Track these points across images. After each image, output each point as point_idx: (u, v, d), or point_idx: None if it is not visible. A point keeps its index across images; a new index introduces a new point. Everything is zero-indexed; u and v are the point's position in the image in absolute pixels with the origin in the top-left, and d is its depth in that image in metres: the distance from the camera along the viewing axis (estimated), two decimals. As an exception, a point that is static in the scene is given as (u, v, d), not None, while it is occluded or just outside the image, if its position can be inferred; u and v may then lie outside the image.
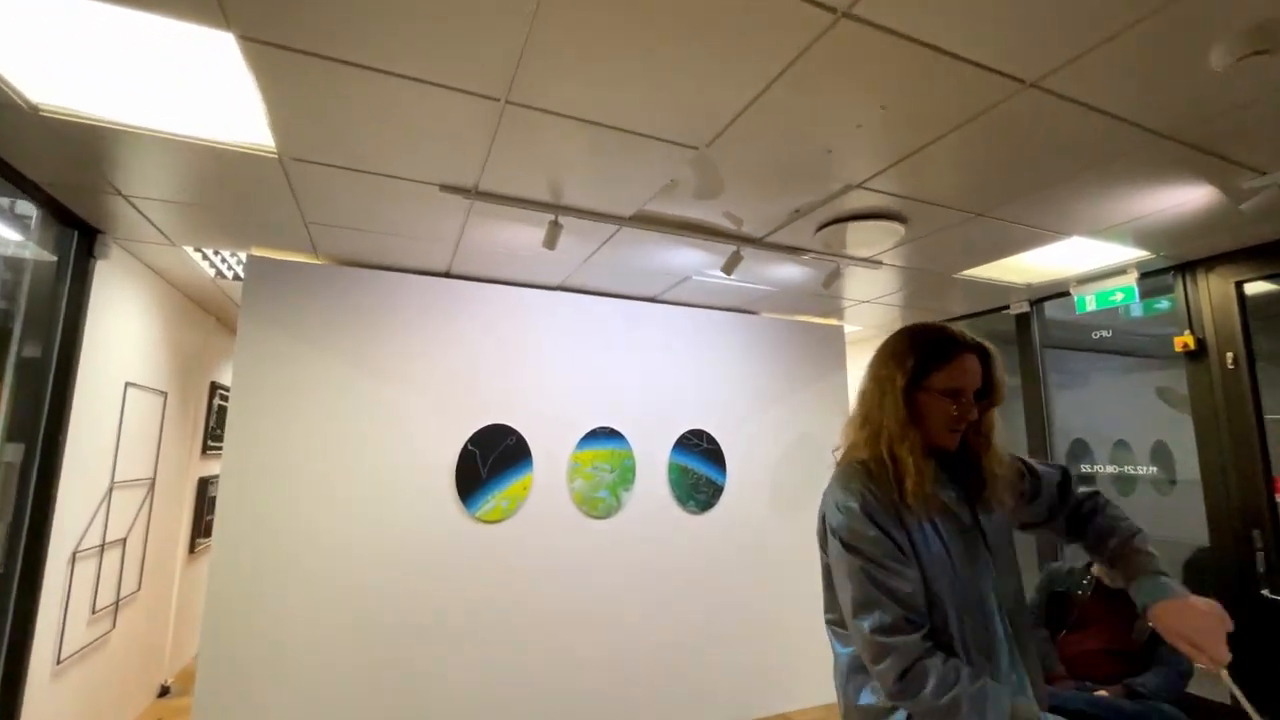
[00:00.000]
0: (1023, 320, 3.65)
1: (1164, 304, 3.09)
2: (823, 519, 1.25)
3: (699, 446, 3.63)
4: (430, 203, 2.34)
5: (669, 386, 3.62)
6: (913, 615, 1.10)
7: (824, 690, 3.74)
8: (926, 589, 1.14)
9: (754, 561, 3.68)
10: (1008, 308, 3.70)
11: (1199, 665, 1.11)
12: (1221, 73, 1.44)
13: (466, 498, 3.08)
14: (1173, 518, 3.07)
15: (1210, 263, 2.81)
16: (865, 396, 1.29)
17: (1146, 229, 2.49)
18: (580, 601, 3.23)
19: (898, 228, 2.40)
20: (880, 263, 2.95)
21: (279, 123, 1.79)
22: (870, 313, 4.05)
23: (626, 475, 3.43)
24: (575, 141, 1.87)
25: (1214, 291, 2.80)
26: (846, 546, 1.16)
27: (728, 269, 2.71)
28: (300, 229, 2.65)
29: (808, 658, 3.73)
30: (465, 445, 3.12)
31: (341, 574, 2.82)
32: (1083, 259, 2.93)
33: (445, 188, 2.21)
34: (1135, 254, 2.79)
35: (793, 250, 2.76)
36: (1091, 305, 3.13)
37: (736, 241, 2.65)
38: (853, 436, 1.30)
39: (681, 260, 2.98)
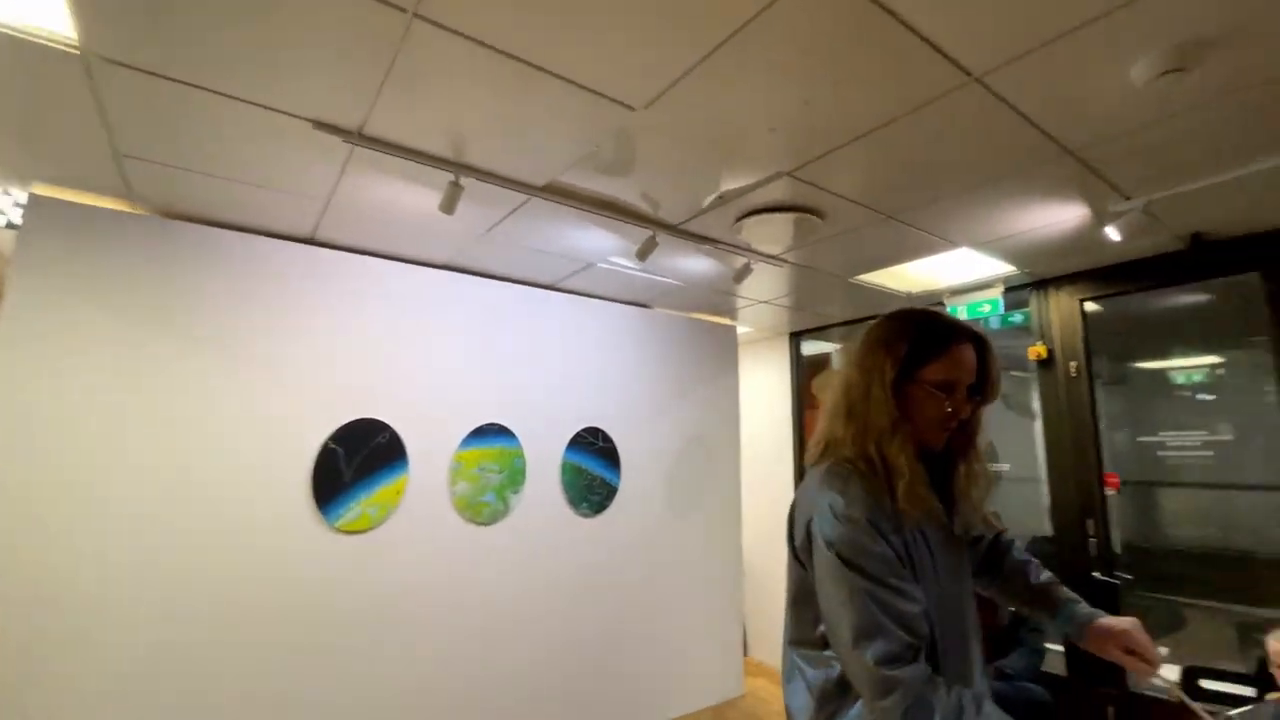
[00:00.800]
0: (900, 327, 3.88)
1: (1018, 317, 3.42)
2: (806, 526, 1.08)
3: (594, 445, 3.42)
4: (298, 144, 1.91)
5: (565, 381, 3.38)
6: (916, 641, 0.98)
7: (713, 692, 3.70)
8: None
9: (647, 565, 3.54)
10: (887, 315, 3.93)
11: (1135, 672, 1.13)
12: (1140, 88, 1.52)
13: (326, 505, 2.60)
14: (1015, 510, 3.41)
15: (1060, 281, 3.15)
16: (850, 388, 1.16)
17: (1019, 246, 2.71)
18: (463, 615, 2.88)
19: (817, 223, 2.38)
20: (786, 261, 2.95)
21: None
22: (763, 314, 4.11)
23: (516, 476, 3.13)
24: (493, 82, 1.58)
25: (1062, 308, 3.14)
26: (847, 563, 1.00)
27: (642, 254, 2.53)
28: (108, 163, 2.06)
29: (699, 660, 3.67)
30: (326, 443, 2.64)
31: (142, 602, 2.23)
32: (959, 272, 3.15)
33: (321, 125, 1.80)
34: (1005, 269, 3.05)
35: (708, 241, 2.66)
36: (963, 315, 3.39)
37: (652, 226, 2.49)
38: (836, 432, 1.16)
39: (590, 243, 2.76)
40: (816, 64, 1.49)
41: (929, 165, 2.00)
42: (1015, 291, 3.29)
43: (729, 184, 2.15)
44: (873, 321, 1.23)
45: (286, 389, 2.59)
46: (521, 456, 3.15)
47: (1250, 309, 2.61)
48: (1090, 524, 2.95)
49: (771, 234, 2.46)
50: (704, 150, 1.91)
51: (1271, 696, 1.93)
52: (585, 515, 3.34)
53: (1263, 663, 2.05)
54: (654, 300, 3.76)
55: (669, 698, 3.51)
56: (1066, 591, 1.25)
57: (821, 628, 1.07)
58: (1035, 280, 3.20)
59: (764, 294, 3.62)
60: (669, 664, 3.54)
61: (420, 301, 2.97)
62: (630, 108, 1.68)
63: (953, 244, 2.70)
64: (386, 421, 2.79)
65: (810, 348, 4.69)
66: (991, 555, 1.35)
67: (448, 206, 2.08)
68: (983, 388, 1.13)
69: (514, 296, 3.27)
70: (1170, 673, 2.41)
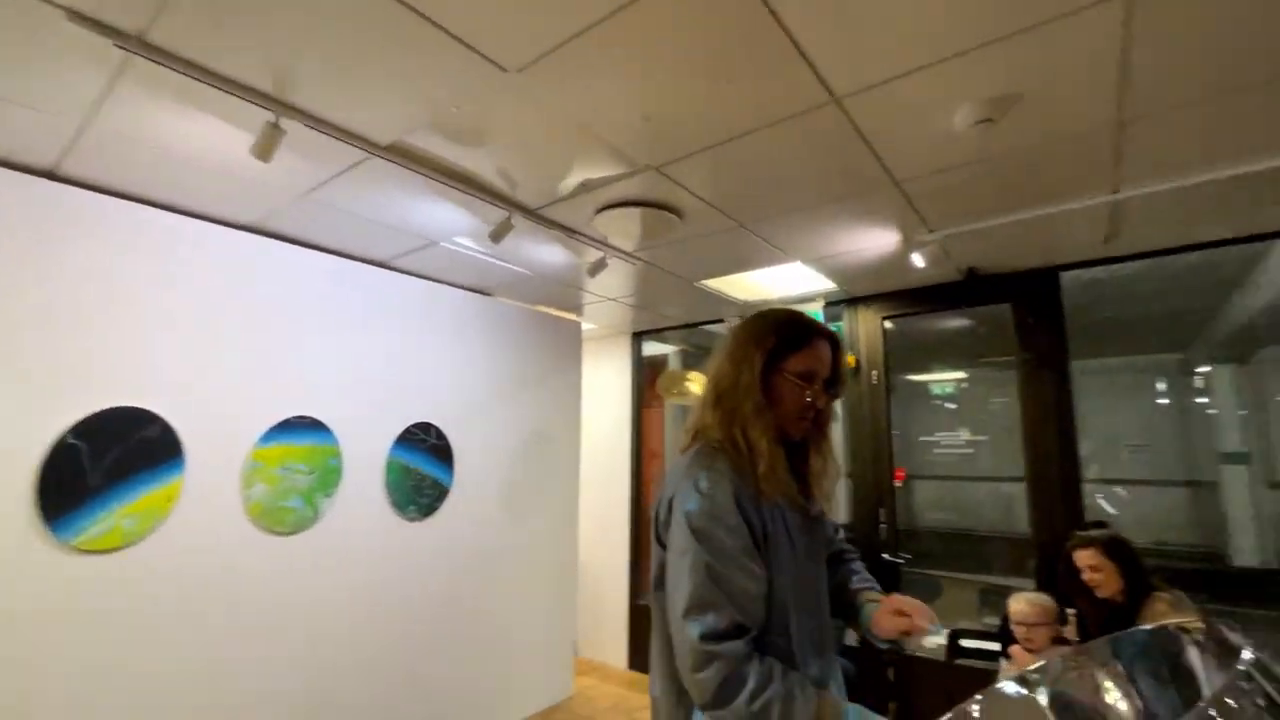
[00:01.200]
0: (734, 333, 4.14)
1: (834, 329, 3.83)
2: (669, 503, 1.12)
3: (426, 442, 3.12)
4: (44, 40, 1.44)
5: (395, 372, 3.03)
6: (747, 621, 1.03)
7: (543, 695, 3.58)
8: (772, 585, 1.09)
9: (480, 568, 3.32)
10: (722, 321, 4.17)
11: (912, 631, 1.18)
12: (958, 133, 1.76)
13: (59, 517, 2.01)
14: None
15: (868, 300, 3.59)
16: (721, 378, 1.21)
17: (842, 264, 3.03)
18: (254, 638, 2.41)
19: (676, 223, 2.41)
20: (639, 259, 2.96)
21: None
22: (608, 312, 4.11)
23: (329, 478, 2.72)
24: (344, 9, 1.33)
25: (868, 323, 3.58)
26: (697, 534, 1.05)
27: (496, 236, 2.35)
28: None
29: (530, 663, 3.53)
30: (63, 438, 2.04)
31: None
32: (787, 285, 3.43)
33: (79, 18, 1.37)
34: (827, 285, 3.38)
35: (565, 230, 2.56)
36: (789, 325, 3.71)
37: (509, 207, 2.32)
38: (706, 419, 1.21)
39: (436, 219, 2.50)
40: (700, 57, 1.48)
41: (785, 179, 2.12)
42: (832, 307, 3.68)
43: (594, 171, 2.08)
44: (742, 320, 1.30)
45: (4, 367, 1.96)
46: (337, 455, 2.75)
47: (993, 334, 3.22)
48: (882, 512, 3.39)
49: (631, 229, 2.44)
50: (573, 131, 1.82)
51: (1013, 649, 2.36)
52: (413, 519, 3.02)
53: (1004, 620, 2.49)
54: (497, 289, 3.56)
55: (497, 705, 3.33)
56: (869, 595, 1.30)
57: None
58: (849, 297, 3.61)
59: (612, 291, 3.62)
60: (499, 669, 3.35)
61: (215, 266, 2.45)
62: (502, 69, 1.53)
63: (789, 258, 2.92)
64: (155, 411, 2.25)
65: (650, 348, 4.80)
66: (834, 557, 1.43)
67: (262, 152, 1.73)
68: (834, 382, 1.23)
69: (338, 272, 2.86)
70: (939, 635, 2.84)
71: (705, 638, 0.99)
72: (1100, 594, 2.29)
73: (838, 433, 3.62)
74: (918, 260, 2.68)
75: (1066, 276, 3.02)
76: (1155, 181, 2.10)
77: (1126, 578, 2.25)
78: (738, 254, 2.88)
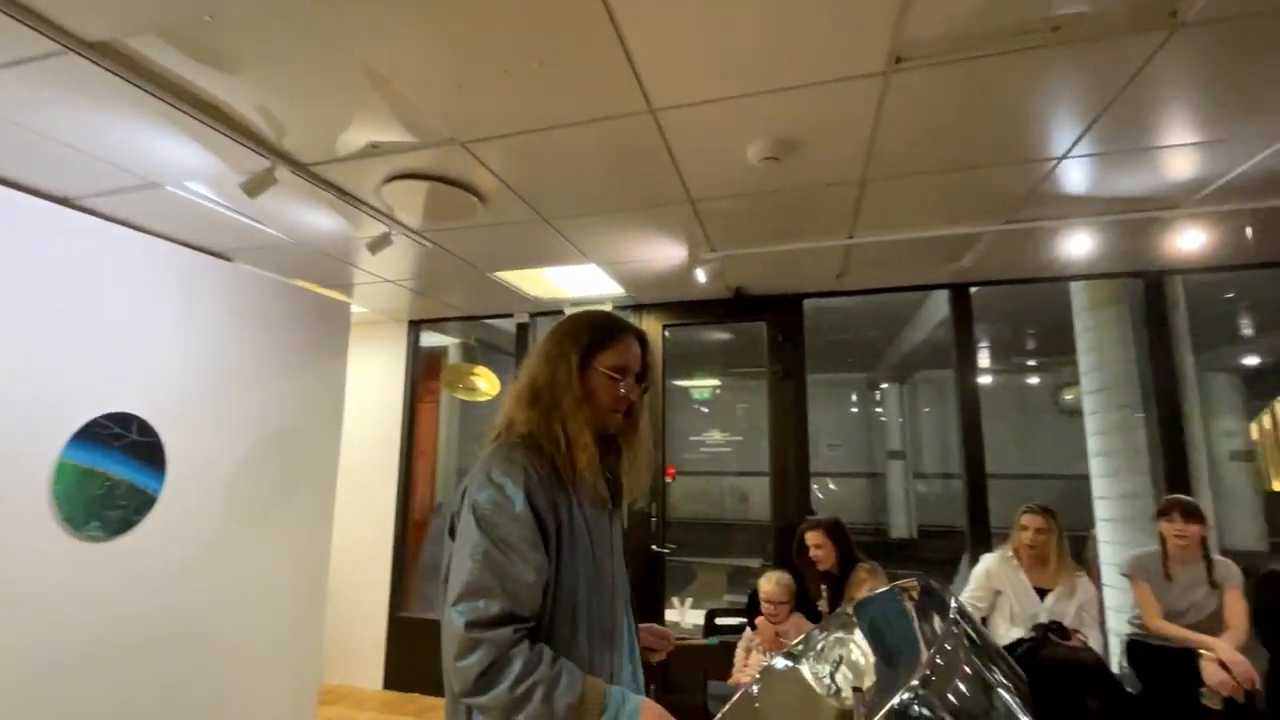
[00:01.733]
0: (523, 330, 4.06)
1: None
2: (464, 494, 1.12)
3: (123, 439, 2.43)
4: None
5: (76, 346, 2.30)
6: (519, 610, 1.02)
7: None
8: (564, 570, 1.10)
9: (202, 594, 2.69)
10: (510, 316, 4.05)
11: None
12: (750, 164, 1.96)
13: None
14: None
15: (651, 308, 3.82)
16: (537, 376, 1.21)
17: (633, 271, 3.17)
18: None
19: (478, 207, 2.26)
20: (430, 240, 2.72)
21: None
22: (384, 295, 3.70)
23: (-47, 487, 1.95)
24: None
25: (650, 330, 3.81)
26: (480, 522, 1.05)
27: (252, 190, 1.93)
28: None
29: (266, 698, 2.97)
30: None
31: None
32: (580, 286, 3.49)
33: None
34: (617, 290, 3.51)
35: (345, 195, 2.22)
36: (578, 325, 3.76)
37: (273, 157, 1.93)
38: (517, 416, 1.20)
39: (167, 153, 1.97)
40: (531, 34, 1.41)
41: (593, 180, 2.13)
42: (619, 311, 3.83)
43: (388, 134, 1.84)
44: (557, 320, 1.33)
45: None
46: (-31, 455, 1.99)
47: (745, 348, 3.69)
48: (654, 507, 3.63)
49: (426, 206, 2.22)
50: (368, 81, 1.58)
51: (758, 620, 2.70)
52: (96, 539, 2.32)
53: (752, 595, 2.84)
54: (240, 254, 2.96)
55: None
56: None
57: None
58: (635, 304, 3.80)
59: (391, 272, 3.27)
60: (226, 712, 2.75)
61: None
62: (287, -16, 1.26)
63: (586, 259, 2.96)
64: None
65: (428, 339, 4.46)
66: None
67: None
68: (644, 376, 1.30)
69: (-13, 202, 2.07)
70: (697, 616, 3.12)
71: (471, 625, 0.98)
72: (821, 567, 2.76)
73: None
74: (700, 275, 2.94)
75: (808, 303, 3.59)
76: (879, 233, 2.61)
77: (841, 553, 2.75)
78: (536, 248, 2.82)
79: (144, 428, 2.50)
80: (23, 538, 2.10)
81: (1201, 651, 2.31)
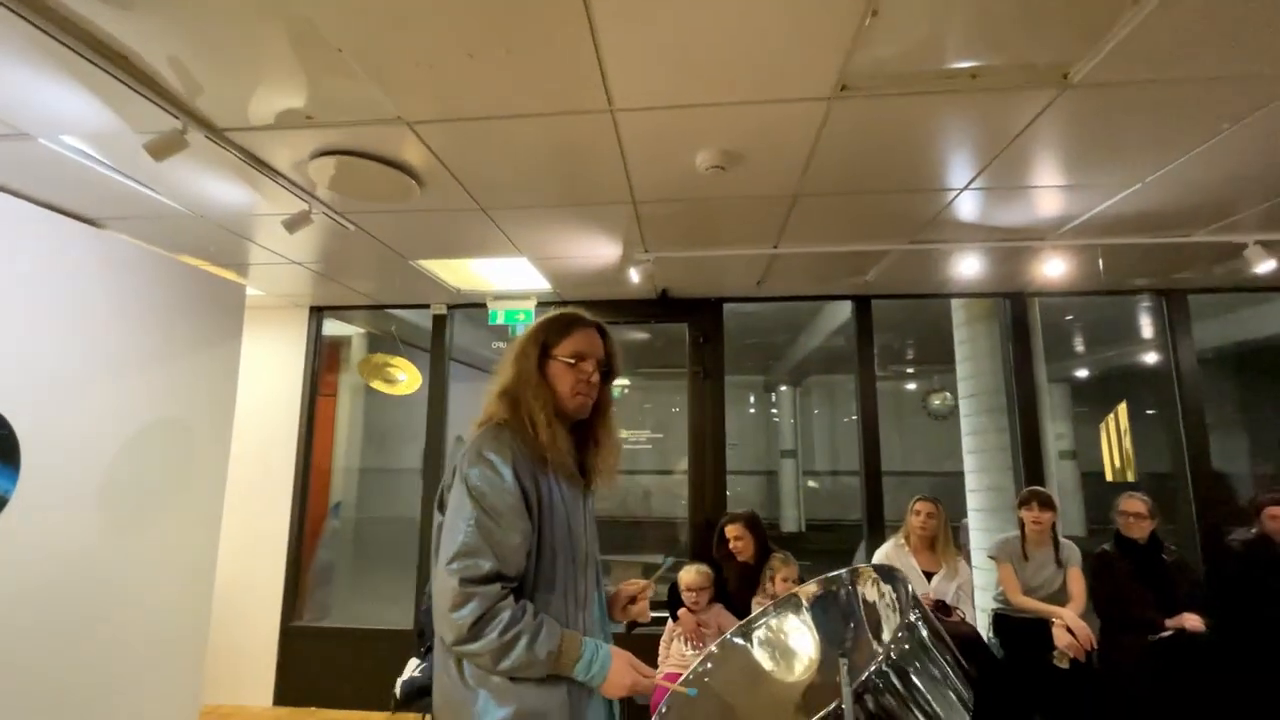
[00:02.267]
0: (439, 321, 3.90)
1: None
2: (454, 471, 1.23)
3: (-35, 430, 2.07)
4: None
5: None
6: (506, 570, 1.14)
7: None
8: (543, 539, 1.21)
9: (59, 609, 2.34)
10: (427, 306, 3.88)
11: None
12: (697, 171, 2.04)
13: None
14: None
15: (576, 306, 3.80)
16: (506, 376, 1.33)
17: (564, 268, 3.17)
18: None
19: (414, 191, 2.16)
20: (352, 222, 2.56)
21: None
22: (282, 277, 3.42)
23: None
24: None
25: (574, 327, 3.81)
26: (472, 492, 1.16)
27: (158, 152, 1.72)
28: None
29: (146, 708, 2.65)
30: None
31: None
32: (505, 279, 3.42)
33: None
34: (543, 285, 3.48)
35: (261, 166, 2.04)
36: (501, 319, 3.69)
37: (184, 116, 1.74)
38: (493, 407, 1.31)
39: (44, 102, 1.70)
40: (505, 19, 1.38)
41: (541, 173, 2.12)
42: (543, 307, 3.80)
43: (326, 106, 1.72)
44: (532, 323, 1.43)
45: None
46: None
47: (653, 348, 3.78)
48: (572, 504, 3.63)
49: (358, 186, 2.10)
50: (309, 43, 1.47)
51: (681, 611, 2.79)
52: (-76, 547, 1.96)
53: (672, 589, 2.94)
54: (112, 221, 2.61)
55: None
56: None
57: None
58: (559, 300, 3.78)
59: (298, 254, 3.02)
60: (127, 702, 2.42)
61: None
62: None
63: (518, 253, 2.92)
64: None
65: (330, 328, 4.16)
66: None
67: None
68: (609, 364, 1.38)
69: None
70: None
71: (465, 581, 1.09)
72: (740, 558, 2.91)
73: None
74: (634, 276, 2.99)
75: (726, 307, 3.76)
76: (802, 245, 2.80)
77: (758, 544, 2.91)
78: (467, 238, 2.74)
79: (-8, 417, 2.15)
80: None
81: (1053, 620, 2.70)
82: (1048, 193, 2.33)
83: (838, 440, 9.50)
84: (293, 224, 2.29)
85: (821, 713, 0.86)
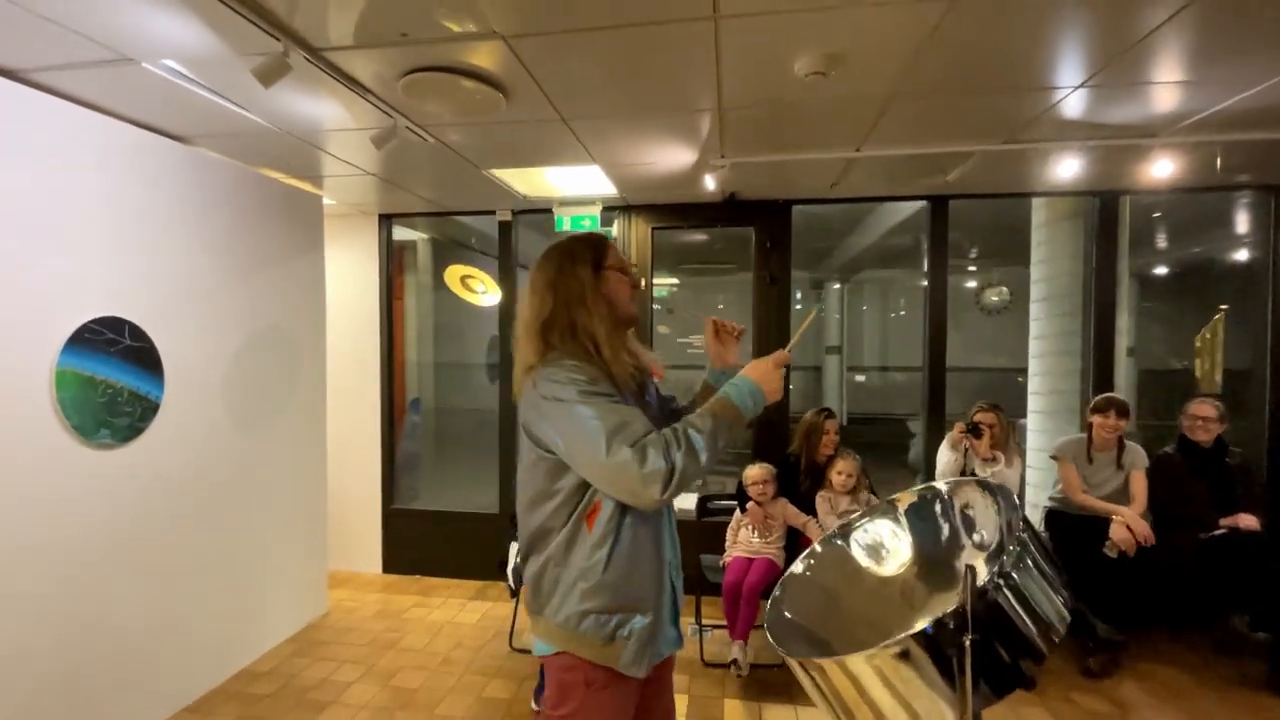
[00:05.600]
0: (505, 227, 3.94)
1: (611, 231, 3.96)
2: (537, 404, 1.22)
3: (118, 345, 2.30)
4: None
5: (52, 243, 2.10)
6: (644, 427, 1.19)
7: (295, 619, 3.24)
8: None
9: (211, 495, 2.71)
10: (493, 213, 3.91)
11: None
12: (794, 78, 1.95)
13: None
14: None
15: (639, 209, 3.78)
16: (542, 307, 1.30)
17: (636, 175, 3.12)
18: None
19: (500, 104, 2.14)
20: (433, 135, 2.55)
21: None
22: (353, 188, 3.46)
23: (-48, 398, 1.83)
24: None
25: (639, 231, 3.81)
26: (584, 393, 1.18)
27: (266, 78, 1.75)
28: None
29: (277, 591, 3.12)
30: None
31: None
32: (572, 185, 3.39)
33: None
34: (610, 190, 3.44)
35: (353, 83, 2.04)
36: (567, 224, 3.70)
37: (285, 38, 1.74)
38: (536, 344, 1.29)
39: (143, 22, 1.72)
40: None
41: (630, 83, 2.06)
42: (608, 212, 3.78)
43: (425, 24, 1.69)
44: (544, 253, 1.38)
45: None
46: (-39, 365, 1.85)
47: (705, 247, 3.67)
48: (640, 404, 3.83)
49: (447, 100, 2.09)
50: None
51: (749, 505, 3.03)
52: (106, 446, 2.26)
53: (739, 485, 3.16)
54: (198, 136, 2.66)
55: (248, 638, 2.90)
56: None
57: (559, 482, 1.24)
58: (624, 205, 3.75)
59: (371, 164, 3.05)
60: (242, 603, 2.89)
61: None
62: None
63: (592, 161, 2.88)
64: None
65: (397, 234, 4.25)
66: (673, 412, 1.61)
67: None
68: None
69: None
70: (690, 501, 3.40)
71: (633, 446, 1.13)
72: (826, 452, 3.09)
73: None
74: (709, 182, 2.93)
75: (795, 209, 3.67)
76: (887, 147, 2.68)
77: (839, 442, 3.08)
78: (543, 148, 2.71)
79: (136, 332, 2.38)
80: (31, 449, 2.03)
81: (1114, 517, 2.84)
82: (1166, 89, 2.15)
83: (885, 336, 9.45)
84: (380, 140, 2.31)
85: (950, 608, 1.00)
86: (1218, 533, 2.79)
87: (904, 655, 1.06)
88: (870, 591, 1.46)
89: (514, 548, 2.92)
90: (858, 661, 1.09)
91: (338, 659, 3.01)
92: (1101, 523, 2.86)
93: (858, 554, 1.52)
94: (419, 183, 3.40)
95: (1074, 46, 1.84)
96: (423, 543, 4.04)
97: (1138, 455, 3.00)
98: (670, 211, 3.77)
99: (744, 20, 1.66)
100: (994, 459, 2.98)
